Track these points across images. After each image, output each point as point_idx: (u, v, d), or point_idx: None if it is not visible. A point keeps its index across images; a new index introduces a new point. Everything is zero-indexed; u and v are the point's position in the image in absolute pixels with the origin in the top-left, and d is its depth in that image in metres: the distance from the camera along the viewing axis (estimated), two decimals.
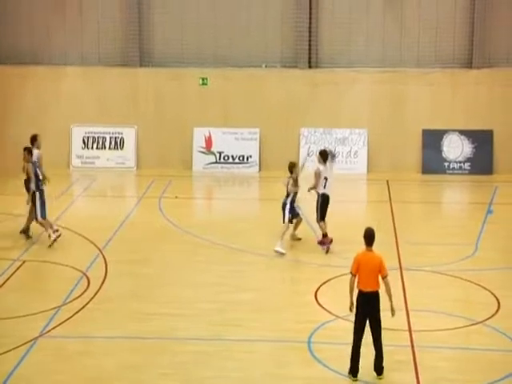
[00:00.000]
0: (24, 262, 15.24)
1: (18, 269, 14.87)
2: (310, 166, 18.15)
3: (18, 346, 11.74)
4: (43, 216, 16.08)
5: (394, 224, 17.73)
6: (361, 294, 10.85)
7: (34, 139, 17.29)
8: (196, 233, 17.12)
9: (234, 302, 13.70)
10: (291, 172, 16.24)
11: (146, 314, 13.12)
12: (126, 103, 22.63)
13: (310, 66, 22.71)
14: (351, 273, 10.92)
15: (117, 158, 22.58)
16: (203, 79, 22.64)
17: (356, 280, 10.86)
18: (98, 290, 13.98)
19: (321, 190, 15.97)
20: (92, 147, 22.64)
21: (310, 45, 22.55)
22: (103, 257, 15.59)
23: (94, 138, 22.64)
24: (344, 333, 11.70)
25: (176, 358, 11.62)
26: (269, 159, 22.43)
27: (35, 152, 16.83)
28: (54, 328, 12.41)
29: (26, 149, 16.47)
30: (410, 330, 12.38)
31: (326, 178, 15.96)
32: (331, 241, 15.94)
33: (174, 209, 18.94)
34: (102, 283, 14.29)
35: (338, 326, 12.48)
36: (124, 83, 22.66)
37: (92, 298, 13.67)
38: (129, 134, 22.62)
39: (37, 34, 22.82)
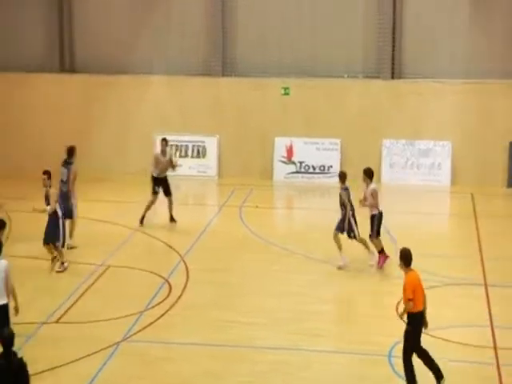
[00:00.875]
0: (108, 267, 15.55)
1: (102, 274, 15.19)
2: None
3: (100, 350, 11.98)
4: (62, 244, 15.22)
5: (478, 239, 17.35)
6: (419, 313, 10.77)
7: (71, 152, 16.56)
8: (276, 242, 17.15)
9: (313, 313, 13.66)
10: (344, 181, 15.73)
11: (226, 322, 13.20)
12: (208, 112, 22.88)
13: (392, 77, 22.50)
14: (409, 299, 10.69)
15: (199, 167, 22.84)
16: (285, 89, 22.70)
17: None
18: (180, 297, 14.14)
19: (379, 209, 15.52)
20: (175, 155, 22.90)
21: (393, 55, 22.36)
22: (185, 264, 15.77)
23: (176, 146, 22.96)
24: (426, 347, 11.50)
25: (255, 366, 11.65)
26: (350, 170, 22.16)
27: (72, 167, 16.41)
28: (136, 333, 12.62)
29: (45, 172, 15.25)
30: (495, 348, 12.08)
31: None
32: (387, 257, 15.52)
33: (255, 218, 19.02)
34: (183, 290, 14.45)
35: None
36: (206, 92, 22.92)
37: (173, 304, 13.84)
38: (211, 143, 22.85)
39: (122, 43, 23.31)
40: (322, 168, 22.54)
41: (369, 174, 15.59)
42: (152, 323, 13.03)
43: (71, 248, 16.43)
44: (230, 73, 23.18)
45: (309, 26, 22.73)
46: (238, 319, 13.21)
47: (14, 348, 8.94)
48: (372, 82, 22.49)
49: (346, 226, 15.46)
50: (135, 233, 17.67)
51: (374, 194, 15.40)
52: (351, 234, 15.50)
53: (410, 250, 10.97)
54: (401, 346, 12.11)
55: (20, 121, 23.18)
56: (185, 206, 20.15)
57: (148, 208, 18.15)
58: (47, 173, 15.13)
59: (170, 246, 16.80)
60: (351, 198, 15.54)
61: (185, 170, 22.68)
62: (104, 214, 18.50)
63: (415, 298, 10.67)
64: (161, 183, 18.41)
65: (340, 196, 15.63)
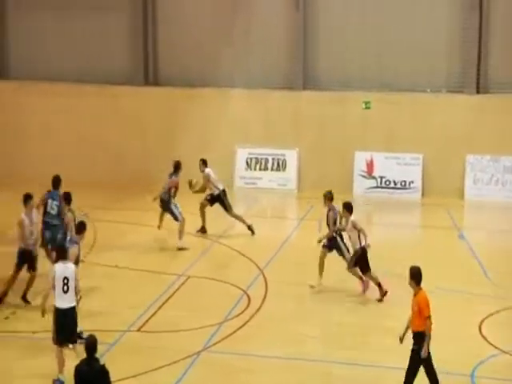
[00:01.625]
0: (188, 277, 15.70)
1: (182, 284, 15.33)
2: None
3: (181, 359, 12.06)
4: None
5: None
6: (423, 333, 10.59)
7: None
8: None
9: (392, 329, 13.43)
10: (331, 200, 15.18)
11: (304, 336, 13.14)
12: (288, 125, 22.92)
13: (478, 91, 22.09)
14: (429, 316, 10.59)
15: (279, 180, 22.89)
16: (366, 103, 22.56)
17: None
18: (259, 309, 14.14)
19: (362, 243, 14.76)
20: (255, 168, 23.09)
21: (478, 69, 21.95)
22: (264, 276, 15.78)
23: (257, 159, 23.08)
24: (509, 368, 11.20)
25: (332, 381, 11.54)
26: (432, 186, 21.98)
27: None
28: (215, 343, 12.67)
29: (65, 198, 14.74)
30: None
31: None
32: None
33: None
34: (263, 302, 14.45)
35: (504, 360, 11.96)
36: (287, 106, 22.99)
37: (252, 316, 13.85)
38: (291, 156, 22.88)
39: (205, 57, 23.63)
40: (403, 183, 22.27)
41: (349, 208, 14.95)
42: (231, 334, 13.07)
43: (181, 249, 16.98)
44: (311, 86, 23.18)
45: (391, 40, 22.57)
46: (317, 333, 13.13)
47: (97, 355, 9.10)
48: (456, 97, 22.13)
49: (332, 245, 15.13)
50: (214, 244, 17.79)
51: (358, 225, 14.78)
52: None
53: (420, 269, 10.86)
54: (483, 366, 11.87)
55: (102, 132, 23.69)
56: (264, 219, 20.21)
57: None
58: (67, 198, 14.68)
59: (250, 259, 16.85)
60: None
61: (265, 183, 22.78)
62: (185, 225, 18.66)
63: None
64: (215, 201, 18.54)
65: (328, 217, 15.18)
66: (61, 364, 11.34)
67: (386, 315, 13.95)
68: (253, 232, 18.37)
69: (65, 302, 11.36)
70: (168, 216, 17.71)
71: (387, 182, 22.41)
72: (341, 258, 15.20)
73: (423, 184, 22.17)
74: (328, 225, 15.24)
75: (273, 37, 23.27)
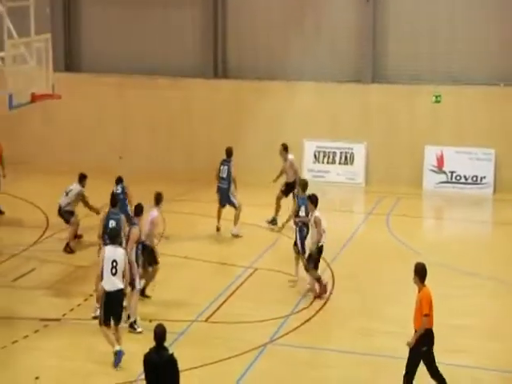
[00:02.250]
0: (256, 269, 15.76)
1: (249, 276, 15.41)
2: None
3: (247, 351, 12.15)
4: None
5: None
6: (430, 331, 10.55)
7: (229, 152, 17.96)
8: (423, 252, 16.78)
9: (458, 327, 13.28)
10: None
11: (371, 331, 13.08)
12: (357, 119, 22.74)
13: None
14: (426, 315, 10.44)
15: (346, 173, 22.74)
16: (436, 97, 22.22)
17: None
18: (325, 303, 14.12)
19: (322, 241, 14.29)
20: (323, 161, 23.00)
21: None
22: (331, 271, 15.73)
23: (324, 152, 22.99)
24: None
25: (399, 378, 11.44)
26: (504, 181, 21.51)
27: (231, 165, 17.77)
28: (282, 336, 12.71)
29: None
30: None
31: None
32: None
33: (402, 227, 18.72)
34: (329, 296, 14.42)
35: None
36: (356, 99, 22.80)
37: (319, 310, 13.84)
38: (359, 150, 22.69)
39: (273, 50, 23.62)
40: (474, 178, 21.85)
41: (313, 200, 14.50)
42: (297, 327, 13.09)
43: (236, 236, 17.32)
44: (380, 79, 22.95)
45: (462, 32, 22.14)
46: (383, 328, 13.04)
47: (165, 344, 9.21)
48: None
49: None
50: (282, 237, 17.80)
51: (318, 223, 14.33)
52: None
53: (425, 265, 10.70)
54: None
55: (171, 124, 23.95)
56: (332, 213, 20.06)
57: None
58: (138, 212, 13.60)
59: None
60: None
61: (332, 177, 22.65)
62: (253, 218, 18.75)
63: (430, 314, 10.47)
64: None
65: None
66: (111, 341, 11.69)
67: (453, 313, 13.75)
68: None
69: (112, 284, 11.59)
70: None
71: (458, 177, 22.02)
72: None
73: (495, 179, 21.72)
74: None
75: (342, 29, 23.10)
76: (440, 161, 22.12)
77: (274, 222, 18.50)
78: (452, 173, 22.04)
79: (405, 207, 20.36)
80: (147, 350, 9.16)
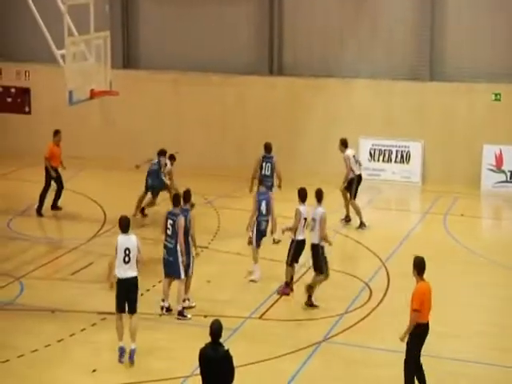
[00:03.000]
0: (310, 267, 15.68)
1: (303, 274, 15.32)
2: None
3: (302, 348, 12.14)
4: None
5: None
6: (424, 326, 10.48)
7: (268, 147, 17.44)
8: (481, 253, 16.55)
9: None
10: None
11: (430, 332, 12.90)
12: (413, 117, 22.48)
13: None
14: (416, 310, 10.32)
15: (402, 172, 22.48)
16: (496, 94, 21.84)
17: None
18: (380, 302, 14.01)
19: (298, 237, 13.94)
20: (378, 159, 22.80)
21: None
22: (386, 269, 15.61)
23: (380, 150, 22.80)
24: None
25: (459, 381, 11.31)
26: None
27: (273, 161, 17.37)
28: (336, 334, 12.68)
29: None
30: None
31: (305, 219, 13.97)
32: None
33: (460, 227, 18.47)
34: (384, 295, 14.32)
35: None
36: (412, 97, 22.54)
37: (373, 309, 13.75)
38: (415, 148, 22.42)
39: (330, 48, 23.51)
40: None
41: (300, 194, 14.06)
42: (352, 326, 13.03)
43: (276, 242, 16.72)
44: (438, 77, 22.65)
45: None
46: (435, 329, 12.81)
47: (221, 340, 9.25)
48: None
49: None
50: (336, 235, 17.71)
51: (298, 217, 13.94)
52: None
53: (424, 259, 10.60)
54: None
55: (225, 121, 24.02)
56: (388, 212, 19.99)
57: None
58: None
59: (372, 251, 16.69)
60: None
61: (388, 175, 22.46)
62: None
63: (422, 309, 10.36)
64: None
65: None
66: (119, 332, 11.85)
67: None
68: (362, 227, 18.06)
69: (125, 271, 11.69)
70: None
71: None
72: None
73: None
74: None
75: (399, 26, 22.84)
76: (499, 160, 21.73)
77: (347, 219, 18.41)
78: (511, 172, 21.65)
79: (462, 207, 20.06)
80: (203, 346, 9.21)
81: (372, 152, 22.88)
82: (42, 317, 13.43)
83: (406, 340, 10.52)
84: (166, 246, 13.25)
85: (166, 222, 13.20)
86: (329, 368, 11.72)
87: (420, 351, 10.59)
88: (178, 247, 13.01)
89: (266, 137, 23.46)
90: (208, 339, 9.20)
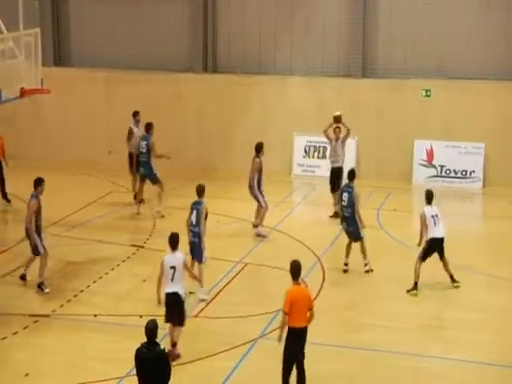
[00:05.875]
0: (246, 264, 15.75)
1: (240, 271, 15.39)
2: None
3: (238, 346, 12.15)
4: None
5: None
6: (294, 330, 10.37)
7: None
8: (414, 246, 16.80)
9: (452, 320, 13.33)
10: None
11: (362, 325, 13.12)
12: (346, 114, 22.48)
13: None
14: (284, 312, 10.33)
15: None
16: (426, 91, 22.25)
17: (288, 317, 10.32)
18: (316, 297, 14.09)
19: None
20: (313, 156, 23.00)
21: None
22: (321, 265, 15.74)
23: (315, 147, 22.98)
24: None
25: (390, 372, 11.47)
26: (494, 175, 21.59)
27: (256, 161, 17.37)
28: (272, 331, 12.66)
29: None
30: None
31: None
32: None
33: (393, 221, 18.75)
34: (320, 291, 14.43)
35: None
36: (345, 94, 22.79)
37: None
38: (349, 145, 22.53)
39: (264, 45, 23.57)
40: (463, 173, 21.92)
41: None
42: None
43: (260, 236, 17.16)
44: (370, 74, 22.95)
45: (453, 27, 22.17)
46: (374, 322, 13.06)
47: (157, 339, 9.20)
48: None
49: None
50: (272, 231, 17.80)
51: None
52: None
53: (299, 263, 10.65)
54: None
55: (161, 119, 23.78)
56: (322, 207, 20.09)
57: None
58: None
59: (307, 246, 16.81)
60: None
61: (323, 171, 22.59)
62: (243, 212, 18.74)
63: (291, 313, 10.27)
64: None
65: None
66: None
67: (445, 306, 13.80)
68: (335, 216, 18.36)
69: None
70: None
71: (447, 171, 22.06)
72: None
73: (485, 173, 21.78)
74: None
75: (332, 24, 23.06)
76: (430, 155, 22.16)
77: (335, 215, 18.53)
78: (442, 167, 22.08)
79: (395, 202, 20.38)
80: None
81: (307, 149, 23.06)
82: None
83: (281, 341, 10.46)
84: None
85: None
86: (266, 364, 11.73)
87: (293, 355, 10.45)
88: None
89: (202, 133, 23.55)
90: (144, 339, 9.14)
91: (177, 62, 23.98)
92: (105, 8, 24.45)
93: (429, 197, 14.82)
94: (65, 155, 23.73)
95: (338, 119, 19.26)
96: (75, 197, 19.93)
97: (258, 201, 17.47)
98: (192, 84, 23.69)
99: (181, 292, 11.80)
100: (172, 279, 11.74)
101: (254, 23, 23.56)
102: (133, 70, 23.90)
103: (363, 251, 15.38)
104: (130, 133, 19.75)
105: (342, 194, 15.46)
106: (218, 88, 23.57)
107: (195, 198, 14.27)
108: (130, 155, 19.72)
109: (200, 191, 14.32)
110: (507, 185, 21.10)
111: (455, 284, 14.59)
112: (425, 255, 14.50)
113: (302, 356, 10.61)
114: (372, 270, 15.33)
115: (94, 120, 24.02)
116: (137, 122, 19.85)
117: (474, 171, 21.81)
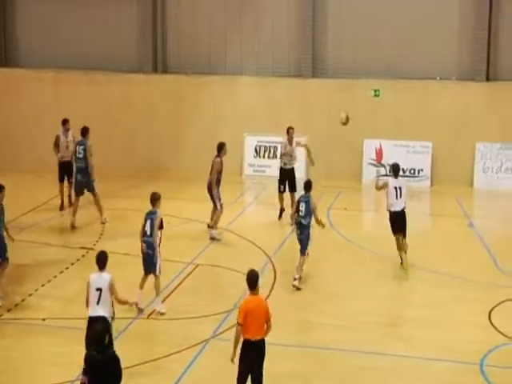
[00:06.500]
0: (197, 265, 15.70)
1: (191, 272, 15.33)
2: None
3: (190, 346, 12.10)
4: None
5: None
6: (248, 342, 9.91)
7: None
8: (365, 245, 16.97)
9: (402, 317, 13.48)
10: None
11: (313, 324, 13.18)
12: (297, 113, 22.82)
13: (487, 79, 21.98)
14: (238, 323, 9.90)
15: None
16: (375, 91, 22.48)
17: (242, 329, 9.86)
18: (267, 297, 14.10)
19: None
20: (264, 156, 23.06)
21: (488, 57, 21.84)
22: (272, 265, 15.77)
23: (265, 147, 23.04)
24: None
25: (341, 370, 11.55)
26: (441, 173, 21.93)
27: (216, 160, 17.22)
28: (224, 331, 12.68)
29: None
30: None
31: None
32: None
33: (344, 220, 18.89)
34: (271, 291, 14.45)
35: None
36: (296, 93, 22.91)
37: None
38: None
39: (213, 44, 23.56)
40: (412, 171, 22.21)
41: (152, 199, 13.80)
42: None
43: (214, 239, 17.07)
44: (320, 74, 23.09)
45: (401, 27, 22.46)
46: (324, 321, 13.13)
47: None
48: (466, 85, 22.03)
49: None
50: (223, 232, 17.78)
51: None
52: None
53: (257, 273, 10.23)
54: (493, 354, 11.86)
55: (110, 119, 23.66)
56: (272, 207, 20.13)
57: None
58: None
59: (258, 246, 16.84)
60: None
61: (274, 171, 22.60)
62: (194, 213, 18.70)
63: (245, 323, 9.87)
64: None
65: None
66: None
67: (397, 304, 13.94)
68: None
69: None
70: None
71: None
72: None
73: (432, 172, 22.11)
74: None
75: (282, 24, 23.17)
76: (379, 154, 22.40)
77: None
78: (390, 166, 22.28)
79: (345, 201, 20.54)
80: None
81: (257, 149, 23.11)
82: None
83: (233, 356, 10.01)
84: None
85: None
86: (218, 365, 11.67)
87: (247, 368, 9.99)
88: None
89: (151, 135, 23.41)
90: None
91: (126, 62, 23.82)
92: (53, 8, 24.17)
93: (395, 170, 15.06)
94: (12, 156, 23.38)
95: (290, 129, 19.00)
96: (23, 199, 19.63)
97: (215, 203, 17.27)
98: (142, 84, 23.55)
99: (107, 316, 10.81)
100: (98, 302, 10.84)
101: (204, 23, 23.53)
102: (81, 70, 23.65)
103: (301, 265, 14.71)
104: (57, 141, 19.16)
105: (298, 204, 14.94)
106: (168, 88, 23.47)
107: (146, 199, 14.00)
108: (59, 164, 19.20)
109: (154, 200, 13.57)
110: (454, 183, 21.46)
111: (401, 266, 15.18)
112: (393, 230, 15.05)
113: (260, 373, 10.08)
114: (299, 289, 14.49)
115: (42, 121, 23.69)
116: (66, 131, 19.16)
117: (422, 170, 22.13)
